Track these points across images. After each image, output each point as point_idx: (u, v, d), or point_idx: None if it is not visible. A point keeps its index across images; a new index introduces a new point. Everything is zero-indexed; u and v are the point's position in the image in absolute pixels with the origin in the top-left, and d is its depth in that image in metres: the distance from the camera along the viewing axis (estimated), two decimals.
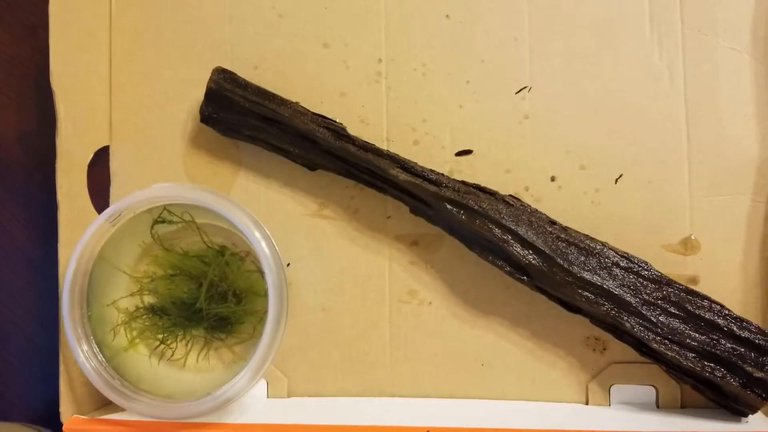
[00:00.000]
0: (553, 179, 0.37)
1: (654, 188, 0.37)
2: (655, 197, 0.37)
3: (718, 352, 0.33)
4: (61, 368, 0.36)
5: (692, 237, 0.36)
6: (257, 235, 0.34)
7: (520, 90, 0.38)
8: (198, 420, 0.35)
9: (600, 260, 0.34)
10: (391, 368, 0.38)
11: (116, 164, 0.40)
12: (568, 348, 0.37)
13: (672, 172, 0.36)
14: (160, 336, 0.37)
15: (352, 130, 0.37)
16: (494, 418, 0.35)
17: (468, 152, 0.38)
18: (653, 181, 0.37)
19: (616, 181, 0.37)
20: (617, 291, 0.34)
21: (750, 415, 0.34)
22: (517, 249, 0.34)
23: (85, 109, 0.39)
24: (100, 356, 0.35)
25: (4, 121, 0.42)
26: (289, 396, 0.39)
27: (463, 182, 0.36)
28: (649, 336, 0.33)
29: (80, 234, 0.35)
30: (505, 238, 0.34)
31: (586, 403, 0.37)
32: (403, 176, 0.36)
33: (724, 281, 0.36)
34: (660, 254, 0.36)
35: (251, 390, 0.37)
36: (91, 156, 0.39)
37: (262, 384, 0.39)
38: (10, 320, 0.42)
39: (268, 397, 0.39)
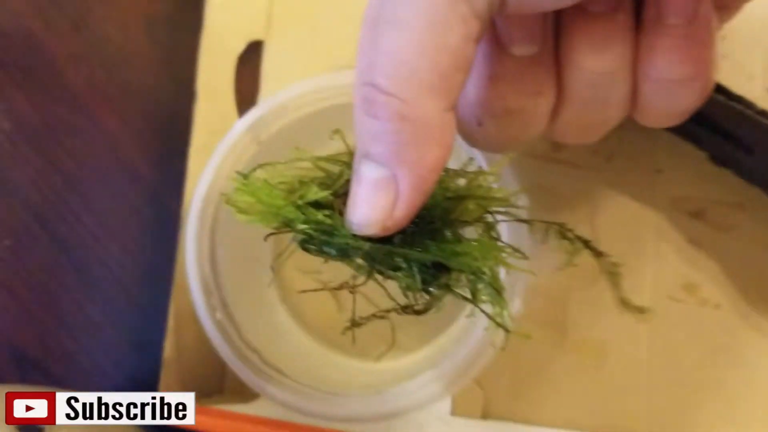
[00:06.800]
0: None
1: None
2: None
3: None
4: (170, 326, 0.25)
5: None
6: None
7: None
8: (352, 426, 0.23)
9: None
10: (647, 396, 0.25)
11: (269, 64, 0.29)
12: None
13: None
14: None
15: None
16: None
17: None
18: None
19: None
20: None
21: None
22: None
23: None
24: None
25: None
26: (483, 417, 0.26)
27: None
28: None
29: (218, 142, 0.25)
30: None
31: None
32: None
33: None
34: None
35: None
36: (243, 47, 0.29)
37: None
38: (101, 262, 0.30)
39: (452, 414, 0.26)
